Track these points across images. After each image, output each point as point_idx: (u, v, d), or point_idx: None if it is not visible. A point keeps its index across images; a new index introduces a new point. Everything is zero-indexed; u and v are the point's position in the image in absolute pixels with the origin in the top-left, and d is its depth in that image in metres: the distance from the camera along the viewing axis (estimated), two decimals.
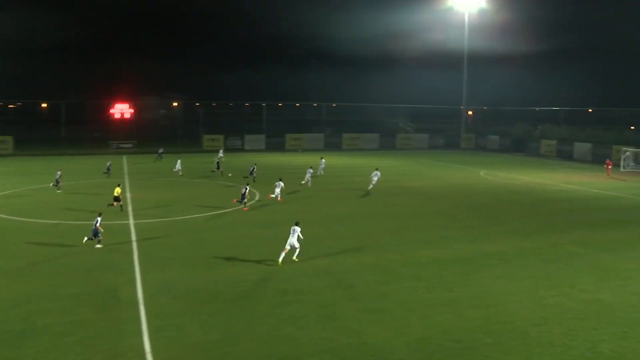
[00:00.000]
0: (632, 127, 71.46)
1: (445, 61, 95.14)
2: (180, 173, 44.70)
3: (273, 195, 33.02)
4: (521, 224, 28.83)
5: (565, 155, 72.45)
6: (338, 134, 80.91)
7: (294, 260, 21.03)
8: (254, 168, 42.07)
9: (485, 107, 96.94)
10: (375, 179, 39.67)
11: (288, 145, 76.29)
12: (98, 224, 22.13)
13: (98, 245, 22.26)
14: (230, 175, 44.74)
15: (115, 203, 29.86)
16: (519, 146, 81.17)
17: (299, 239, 20.92)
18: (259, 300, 17.25)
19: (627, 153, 58.51)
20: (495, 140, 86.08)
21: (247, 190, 30.59)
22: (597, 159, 67.51)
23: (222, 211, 30.31)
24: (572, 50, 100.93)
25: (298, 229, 21.00)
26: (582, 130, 75.16)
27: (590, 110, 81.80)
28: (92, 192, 36.20)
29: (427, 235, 25.95)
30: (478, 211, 32.32)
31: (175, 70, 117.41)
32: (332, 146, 78.52)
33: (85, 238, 22.52)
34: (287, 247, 20.80)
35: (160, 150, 59.50)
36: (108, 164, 44.70)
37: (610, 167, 54.57)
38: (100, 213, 22.91)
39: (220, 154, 56.63)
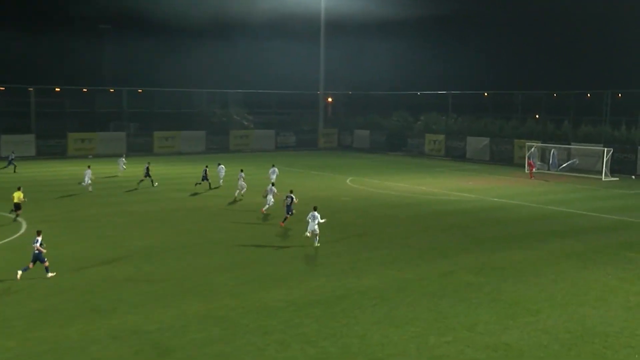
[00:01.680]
0: (537, 116, 79.03)
1: (297, 30, 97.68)
2: (90, 189, 46.48)
3: (268, 205, 38.18)
4: (402, 249, 30.42)
5: (456, 154, 78.21)
6: (147, 132, 79.71)
7: (317, 247, 29.73)
8: (206, 171, 48.55)
9: (350, 92, 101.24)
10: (274, 176, 46.79)
11: (72, 149, 73.51)
12: (38, 244, 24.36)
13: (50, 274, 24.63)
14: (156, 184, 49.51)
15: (16, 211, 35.26)
16: (397, 143, 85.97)
17: (319, 224, 29.73)
18: None
19: (533, 149, 64.84)
20: (364, 136, 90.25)
21: (292, 200, 34.88)
22: (497, 158, 73.84)
23: None
24: (463, 20, 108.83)
25: (317, 214, 29.88)
26: (477, 120, 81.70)
27: (486, 94, 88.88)
28: None
29: (277, 270, 26.36)
30: (345, 233, 33.53)
31: None
32: (139, 149, 76.83)
33: (20, 272, 24.15)
34: (308, 233, 29.75)
35: (11, 156, 58.55)
36: None
37: (533, 168, 60.36)
38: (39, 231, 25.06)
39: (122, 163, 56.77)
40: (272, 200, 38.42)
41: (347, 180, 55.04)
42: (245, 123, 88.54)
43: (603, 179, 58.32)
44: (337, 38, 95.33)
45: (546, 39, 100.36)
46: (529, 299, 23.04)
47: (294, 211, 34.95)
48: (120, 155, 59.93)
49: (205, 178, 48.42)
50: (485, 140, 75.94)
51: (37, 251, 24.43)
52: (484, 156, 75.54)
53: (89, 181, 46.84)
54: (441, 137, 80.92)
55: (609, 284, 25.07)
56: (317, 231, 29.75)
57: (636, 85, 69.44)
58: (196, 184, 48.70)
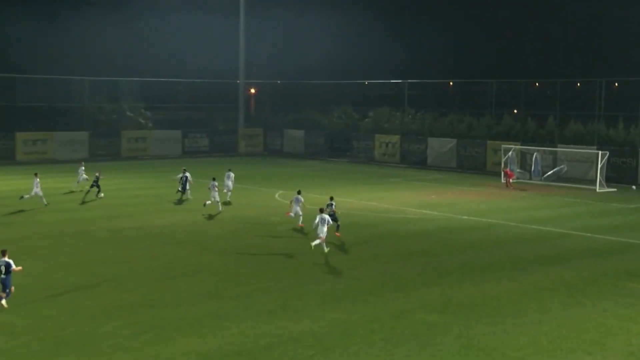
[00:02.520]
0: (515, 111, 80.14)
1: (211, 1, 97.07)
2: (44, 201, 48.42)
3: (292, 215, 42.06)
4: (347, 282, 30.48)
5: (414, 160, 78.93)
6: (6, 134, 78.26)
7: (325, 253, 34.89)
8: (186, 178, 51.80)
9: (279, 82, 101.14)
10: (230, 182, 51.48)
11: None
12: (12, 267, 26.26)
13: (3, 302, 26.09)
14: (102, 196, 51.90)
15: None
16: (339, 146, 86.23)
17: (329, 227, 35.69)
18: None
19: (510, 153, 65.83)
20: (298, 137, 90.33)
21: (334, 206, 39.79)
22: (466, 165, 74.68)
23: None
24: None
25: (327, 216, 35.56)
26: (441, 117, 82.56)
27: (451, 83, 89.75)
28: None
29: (184, 313, 26.02)
30: (274, 263, 33.51)
31: None
32: None
33: (4, 301, 25.95)
34: (318, 240, 34.73)
35: None
36: None
37: (511, 177, 61.54)
38: (4, 250, 26.55)
39: (82, 172, 56.73)
40: (300, 211, 41.82)
41: (276, 195, 54.96)
42: (143, 121, 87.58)
43: (597, 190, 59.65)
44: (263, 12, 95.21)
45: (526, 16, 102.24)
46: (507, 345, 23.29)
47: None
48: (79, 163, 58.38)
49: (184, 187, 51.78)
50: (451, 143, 76.85)
51: (4, 276, 26.06)
52: (449, 162, 76.44)
53: (40, 192, 47.96)
54: (395, 138, 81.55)
55: (607, 324, 25.53)
56: (325, 235, 34.97)
57: (637, 72, 71.21)
58: (178, 191, 52.16)
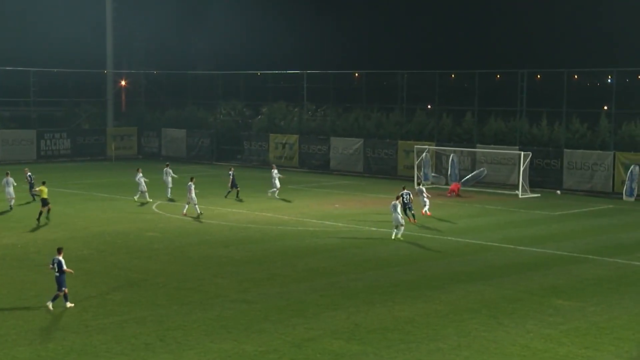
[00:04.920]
0: (429, 106, 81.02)
1: None
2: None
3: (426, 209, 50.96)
4: (238, 307, 30.46)
5: (315, 163, 79.56)
6: None
7: (399, 239, 43.02)
8: (233, 175, 59.35)
9: (155, 72, 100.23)
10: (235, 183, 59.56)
11: None
12: (64, 267, 30.08)
13: (69, 304, 30.11)
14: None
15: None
16: (228, 148, 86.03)
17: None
18: None
19: (425, 154, 66.75)
20: (178, 138, 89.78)
21: (410, 197, 47.79)
22: (375, 168, 75.41)
23: None
24: None
25: (399, 204, 43.33)
26: (345, 113, 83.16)
27: (357, 74, 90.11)
28: None
29: (37, 351, 25.22)
30: (151, 288, 33.26)
31: None
32: None
33: (50, 303, 29.48)
34: (401, 224, 43.39)
35: None
36: None
37: (455, 191, 62.33)
38: (60, 248, 30.64)
39: (142, 180, 58.06)
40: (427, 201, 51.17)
41: (154, 206, 54.60)
42: None
43: (520, 196, 61.15)
44: None
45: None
46: None
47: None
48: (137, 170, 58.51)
49: (234, 184, 58.77)
50: (357, 143, 77.48)
51: (57, 274, 29.85)
52: (355, 166, 77.16)
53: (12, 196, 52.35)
54: (293, 138, 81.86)
55: (531, 347, 26.15)
56: (402, 222, 43.51)
57: (561, 62, 72.78)
58: (228, 193, 58.89)
